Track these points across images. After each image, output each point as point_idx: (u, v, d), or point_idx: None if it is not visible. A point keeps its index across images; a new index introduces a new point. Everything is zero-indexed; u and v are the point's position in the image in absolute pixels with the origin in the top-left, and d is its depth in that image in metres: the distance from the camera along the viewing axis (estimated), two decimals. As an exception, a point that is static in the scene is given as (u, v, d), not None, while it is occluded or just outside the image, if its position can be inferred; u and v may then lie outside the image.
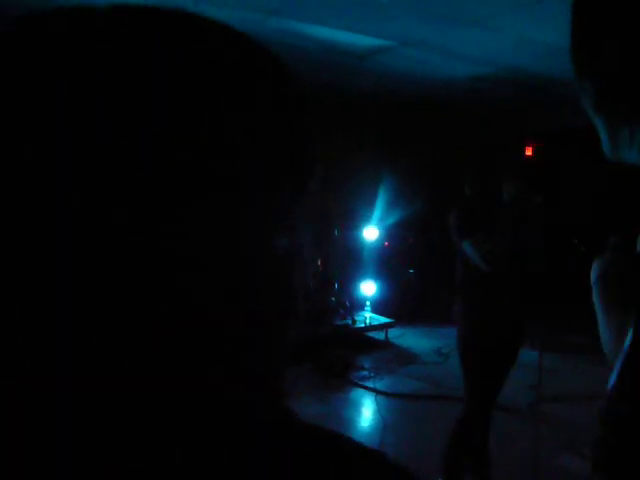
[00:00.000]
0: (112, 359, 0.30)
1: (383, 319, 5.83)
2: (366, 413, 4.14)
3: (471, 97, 5.76)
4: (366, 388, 4.49)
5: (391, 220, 6.22)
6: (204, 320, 0.32)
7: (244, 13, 3.87)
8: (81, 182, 0.29)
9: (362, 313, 5.86)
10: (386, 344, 5.68)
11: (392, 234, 6.35)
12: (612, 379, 0.51)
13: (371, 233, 6.10)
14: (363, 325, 5.64)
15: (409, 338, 5.85)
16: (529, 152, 6.48)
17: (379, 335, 5.77)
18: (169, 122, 0.30)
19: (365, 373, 4.81)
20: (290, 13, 3.84)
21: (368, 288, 6.04)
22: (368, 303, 5.95)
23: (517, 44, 4.24)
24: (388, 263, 6.35)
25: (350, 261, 6.23)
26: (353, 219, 6.12)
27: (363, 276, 6.09)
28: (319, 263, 5.93)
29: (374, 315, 5.89)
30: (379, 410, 4.08)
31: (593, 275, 0.85)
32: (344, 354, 4.94)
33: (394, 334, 5.85)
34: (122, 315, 0.30)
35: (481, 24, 3.86)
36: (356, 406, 4.26)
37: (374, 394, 4.37)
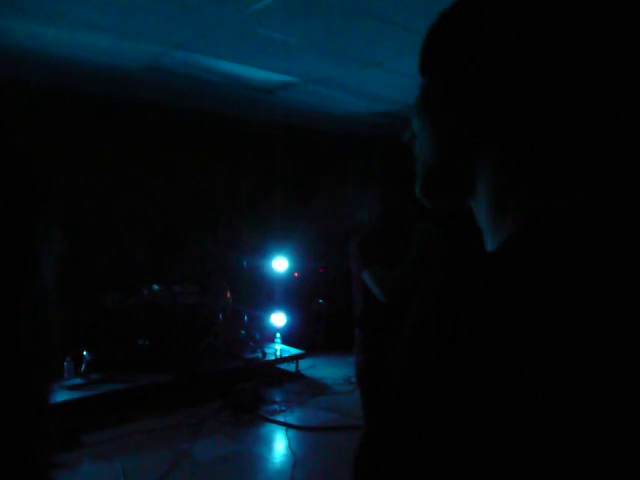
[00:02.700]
0: None
1: (294, 350, 5.83)
2: (277, 449, 4.09)
3: (374, 132, 5.99)
4: (277, 423, 4.44)
5: (300, 251, 6.27)
6: None
7: (148, 45, 3.81)
8: None
9: (272, 345, 5.82)
10: (297, 376, 5.67)
11: (302, 265, 6.39)
12: None
13: (281, 264, 6.11)
14: (273, 357, 5.60)
15: (320, 368, 5.88)
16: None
17: (290, 367, 5.75)
18: None
19: (276, 407, 4.75)
20: (195, 48, 3.83)
21: (278, 319, 6.02)
22: (278, 335, 5.93)
23: (415, 84, 4.47)
24: (298, 294, 6.37)
25: (259, 292, 6.19)
26: (262, 251, 6.10)
27: (273, 307, 6.07)
28: (228, 295, 5.85)
29: (284, 347, 5.87)
30: (290, 445, 4.04)
31: None
32: (255, 388, 4.86)
33: (305, 365, 5.86)
34: None
35: (381, 65, 4.04)
36: (267, 442, 4.19)
37: (285, 428, 4.33)
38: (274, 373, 5.54)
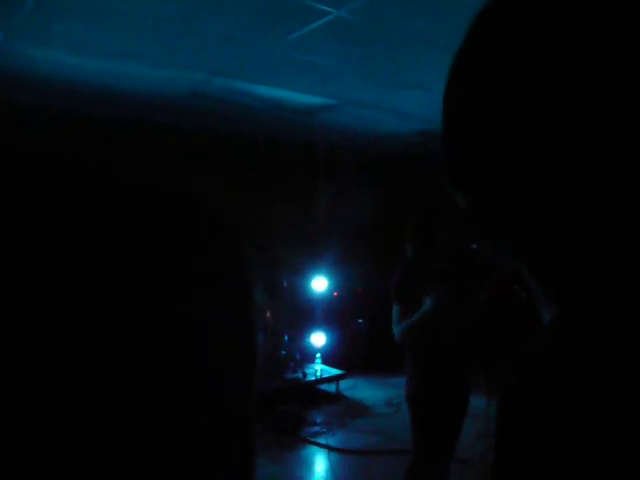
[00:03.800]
0: None
1: (334, 371, 5.80)
2: (319, 472, 4.06)
3: (414, 151, 5.97)
4: (319, 445, 4.42)
5: (340, 271, 6.27)
6: None
7: (190, 73, 3.92)
8: None
9: (312, 365, 5.81)
10: (338, 396, 5.63)
11: (341, 284, 6.39)
12: None
13: (320, 284, 6.12)
14: (314, 378, 5.59)
15: (360, 389, 5.83)
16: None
17: (330, 387, 5.72)
18: None
19: (317, 429, 4.73)
20: (235, 74, 3.92)
21: (318, 339, 6.02)
22: (318, 355, 5.92)
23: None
24: (337, 314, 6.36)
25: (299, 312, 6.21)
26: (302, 270, 6.13)
27: (313, 327, 6.07)
28: (268, 315, 5.88)
29: (325, 367, 5.85)
30: (332, 468, 4.01)
31: None
32: (295, 409, 4.86)
33: (345, 385, 5.82)
34: None
35: (421, 87, 4.04)
36: (309, 465, 4.18)
37: (327, 451, 4.30)
38: (314, 394, 5.52)
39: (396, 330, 2.69)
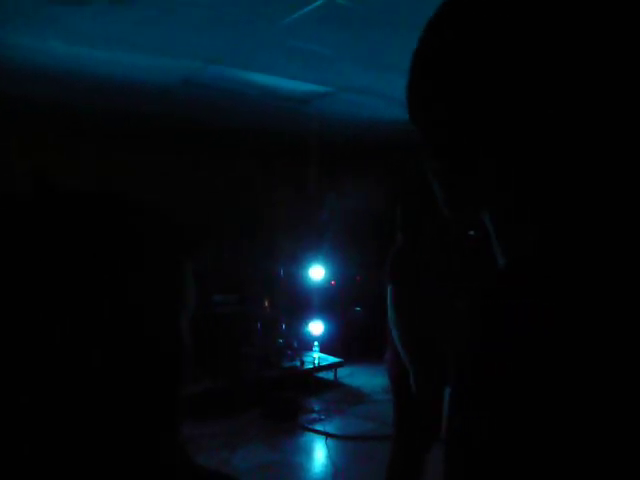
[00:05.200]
0: None
1: (332, 359, 5.81)
2: (317, 458, 4.08)
3: (410, 138, 5.95)
4: (316, 432, 4.44)
5: (336, 259, 6.27)
6: None
7: (183, 61, 3.90)
8: None
9: (310, 353, 5.82)
10: (335, 384, 5.66)
11: (338, 273, 6.39)
12: None
13: (317, 272, 6.12)
14: (312, 366, 5.60)
15: (358, 377, 5.85)
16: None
17: (328, 375, 5.74)
18: None
19: (315, 416, 4.75)
20: (229, 61, 3.90)
21: (316, 328, 6.02)
22: (316, 343, 5.93)
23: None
24: (335, 302, 6.36)
25: (297, 301, 6.21)
26: (299, 259, 6.13)
27: (310, 316, 6.08)
28: (266, 304, 5.89)
29: (322, 355, 5.86)
30: (329, 454, 4.03)
31: None
32: (293, 397, 4.87)
33: (343, 373, 5.84)
34: None
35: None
36: (307, 451, 4.20)
37: (324, 437, 4.33)
38: (312, 382, 5.54)
39: (391, 313, 2.69)
